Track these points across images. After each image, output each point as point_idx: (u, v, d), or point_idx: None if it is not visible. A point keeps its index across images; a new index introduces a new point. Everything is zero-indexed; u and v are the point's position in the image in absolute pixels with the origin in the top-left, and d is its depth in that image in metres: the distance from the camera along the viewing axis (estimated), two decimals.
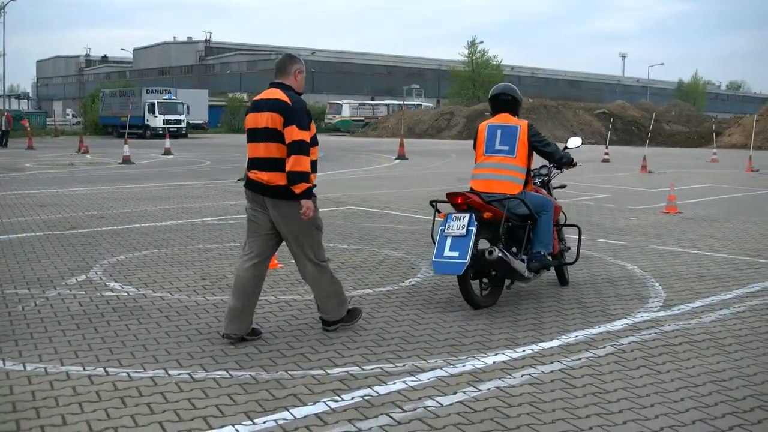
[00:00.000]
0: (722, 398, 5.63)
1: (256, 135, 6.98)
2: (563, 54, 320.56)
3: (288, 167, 6.72)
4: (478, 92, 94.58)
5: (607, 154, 36.88)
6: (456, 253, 7.81)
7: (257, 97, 7.15)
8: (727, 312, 8.18)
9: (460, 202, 8.19)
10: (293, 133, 6.71)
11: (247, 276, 7.00)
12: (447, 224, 8.03)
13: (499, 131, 8.80)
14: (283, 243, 7.22)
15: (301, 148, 6.71)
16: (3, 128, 47.30)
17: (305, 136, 6.78)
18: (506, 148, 8.65)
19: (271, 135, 6.83)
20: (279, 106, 6.83)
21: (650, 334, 7.32)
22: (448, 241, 7.91)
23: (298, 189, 6.72)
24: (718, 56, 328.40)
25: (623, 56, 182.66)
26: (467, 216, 7.99)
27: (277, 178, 6.83)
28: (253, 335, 6.96)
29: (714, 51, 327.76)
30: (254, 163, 7.03)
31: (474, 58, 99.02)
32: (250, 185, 7.10)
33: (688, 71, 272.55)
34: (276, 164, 6.84)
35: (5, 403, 5.32)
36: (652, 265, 10.65)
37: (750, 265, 10.78)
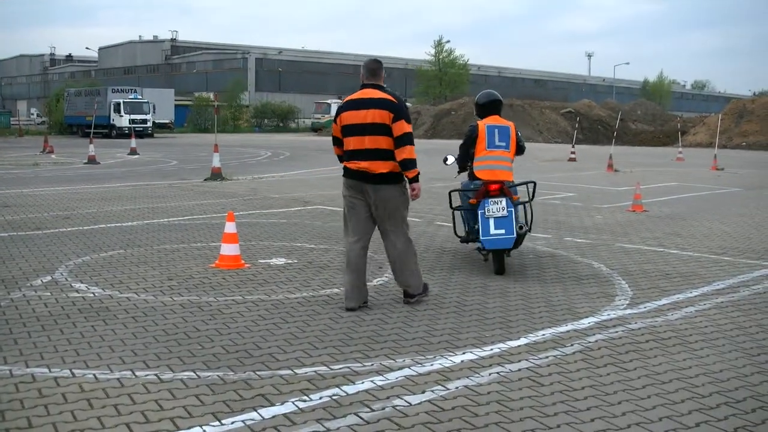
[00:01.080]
0: (689, 395, 5.67)
1: (362, 129, 7.99)
2: (529, 53, 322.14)
3: (402, 156, 7.95)
4: (445, 91, 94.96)
5: (573, 153, 37.05)
6: (502, 231, 9.60)
7: (354, 97, 8.17)
8: (692, 309, 8.23)
9: (496, 188, 9.76)
10: (403, 127, 7.93)
11: (359, 254, 8.19)
12: (486, 208, 9.70)
13: (496, 130, 10.22)
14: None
15: (410, 139, 8.00)
16: None
17: (411, 128, 8.08)
18: (504, 144, 10.19)
19: (380, 129, 7.92)
20: (387, 104, 7.96)
21: (617, 332, 7.35)
22: (491, 221, 9.63)
23: (411, 174, 8.05)
24: (682, 55, 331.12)
25: (589, 56, 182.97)
26: (504, 199, 9.70)
27: (380, 167, 7.97)
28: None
29: (679, 50, 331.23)
30: (358, 154, 8.04)
31: (440, 57, 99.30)
32: (352, 174, 8.12)
33: (654, 71, 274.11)
34: (381, 154, 7.97)
35: None
36: (619, 263, 10.71)
37: (715, 263, 10.86)
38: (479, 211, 9.74)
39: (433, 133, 69.70)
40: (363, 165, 7.98)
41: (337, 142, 8.41)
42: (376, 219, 8.21)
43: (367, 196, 8.07)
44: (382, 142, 7.91)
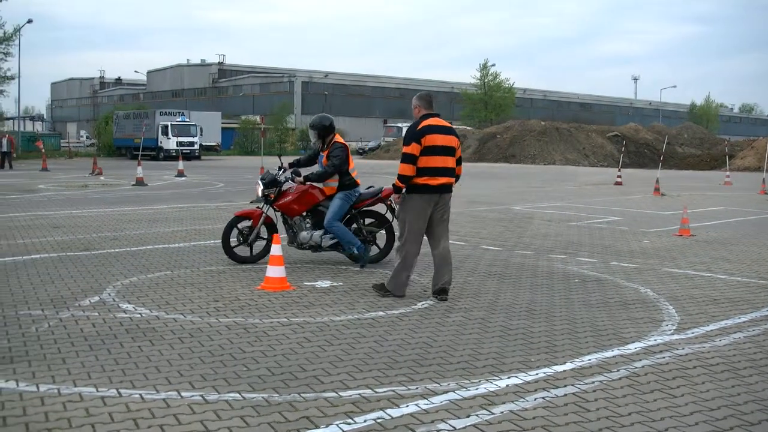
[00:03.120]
0: (737, 422, 5.60)
1: (448, 151, 9.68)
2: (575, 77, 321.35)
3: (460, 172, 10.02)
4: (490, 115, 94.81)
5: (619, 176, 36.84)
6: None
7: (435, 123, 9.66)
8: (741, 335, 8.14)
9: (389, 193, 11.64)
10: (459, 151, 9.98)
11: (442, 253, 9.84)
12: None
13: None
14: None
15: (461, 160, 10.02)
16: (4, 150, 47.35)
17: None
18: None
19: (454, 151, 9.80)
20: (456, 132, 9.94)
21: (664, 357, 7.29)
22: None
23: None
24: (730, 79, 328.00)
25: (635, 79, 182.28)
26: None
27: (452, 180, 9.87)
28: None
29: (726, 73, 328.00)
30: (443, 171, 9.64)
31: (486, 80, 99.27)
32: (434, 188, 9.64)
33: (701, 94, 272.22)
34: (453, 171, 9.84)
35: (18, 424, 5.33)
36: (666, 288, 10.62)
37: (764, 288, 10.75)
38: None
39: (478, 157, 69.59)
40: (446, 180, 9.68)
41: (414, 161, 9.47)
42: (437, 224, 9.83)
43: (435, 206, 9.70)
44: (452, 162, 9.76)
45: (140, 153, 38.37)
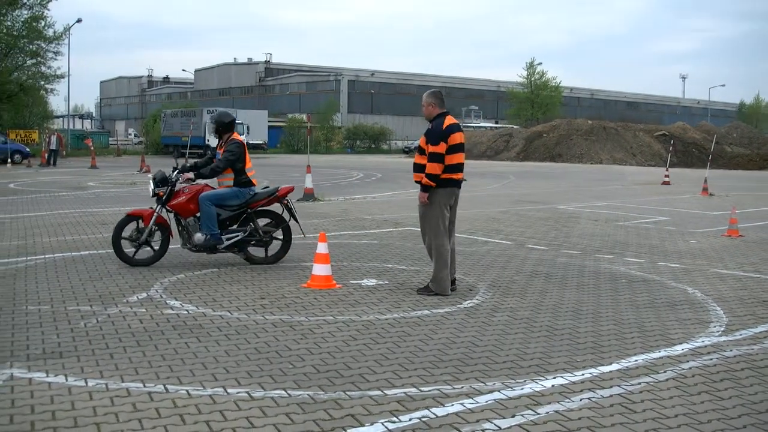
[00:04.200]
0: None
1: (463, 147, 9.99)
2: (622, 75, 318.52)
3: None
4: (537, 114, 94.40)
5: (667, 176, 36.50)
6: None
7: (454, 121, 9.96)
8: None
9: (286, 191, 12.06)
10: None
11: (452, 248, 10.13)
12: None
13: None
14: None
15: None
16: (53, 147, 47.93)
17: None
18: None
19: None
20: None
21: (712, 359, 7.22)
22: None
23: None
24: None
25: (683, 77, 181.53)
26: None
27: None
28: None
29: None
30: (461, 167, 10.00)
31: (533, 79, 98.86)
32: (457, 183, 10.06)
33: (750, 93, 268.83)
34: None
35: (67, 418, 5.39)
36: (714, 289, 10.51)
37: None
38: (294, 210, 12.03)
39: (524, 156, 69.30)
40: (462, 174, 10.12)
41: (443, 160, 9.73)
42: (452, 217, 10.22)
43: (454, 200, 10.17)
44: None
45: (188, 151, 38.63)
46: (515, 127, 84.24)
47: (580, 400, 6.00)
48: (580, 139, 69.81)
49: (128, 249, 11.45)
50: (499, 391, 6.17)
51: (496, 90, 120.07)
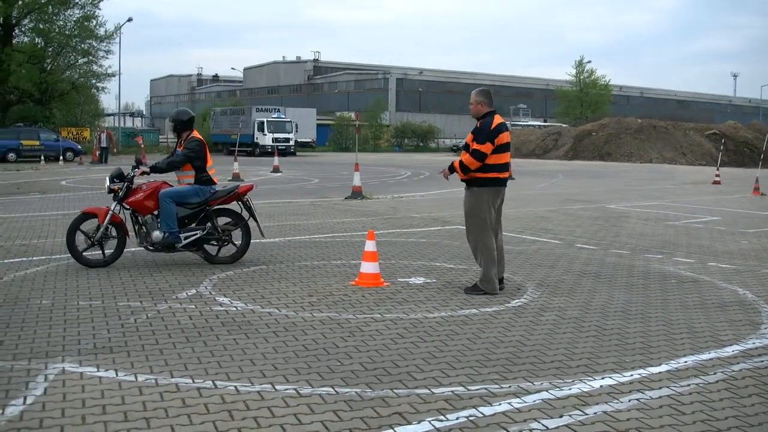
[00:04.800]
0: None
1: (510, 147, 10.03)
2: (672, 74, 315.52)
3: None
4: (586, 112, 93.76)
5: (717, 175, 36.08)
6: None
7: (502, 121, 9.92)
8: None
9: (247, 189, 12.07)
10: None
11: (499, 246, 10.06)
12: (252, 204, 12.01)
13: None
14: None
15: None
16: (104, 145, 48.48)
17: None
18: None
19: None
20: None
21: (763, 361, 7.13)
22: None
23: None
24: None
25: (734, 76, 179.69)
26: None
27: None
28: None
29: None
30: (508, 166, 10.08)
31: (582, 77, 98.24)
32: (504, 182, 10.05)
33: None
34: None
35: (117, 413, 5.44)
36: (765, 290, 10.38)
37: None
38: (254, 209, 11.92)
39: (573, 155, 68.87)
40: (509, 173, 10.17)
41: (484, 159, 9.69)
42: (497, 216, 10.19)
43: (500, 199, 10.14)
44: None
45: (237, 149, 38.86)
46: (564, 125, 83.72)
47: (629, 401, 5.95)
48: (630, 138, 69.21)
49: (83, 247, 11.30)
50: (546, 390, 6.14)
51: (544, 88, 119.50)
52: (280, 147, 57.84)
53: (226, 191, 11.73)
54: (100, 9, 63.29)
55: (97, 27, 64.00)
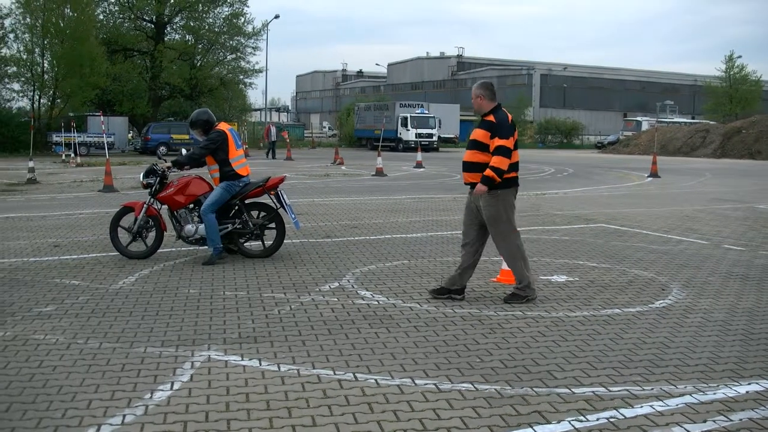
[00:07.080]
0: None
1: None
2: None
3: None
4: (735, 109, 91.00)
5: None
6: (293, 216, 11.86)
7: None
8: None
9: (279, 180, 11.85)
10: None
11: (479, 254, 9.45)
12: (284, 196, 11.76)
13: (234, 134, 11.84)
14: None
15: None
16: (273, 139, 49.28)
17: None
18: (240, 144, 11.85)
19: None
20: None
21: None
22: (288, 208, 11.72)
23: None
24: None
25: None
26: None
27: None
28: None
29: None
30: (518, 165, 9.16)
31: (731, 73, 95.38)
32: (518, 181, 9.21)
33: None
34: None
35: (260, 401, 5.58)
36: None
37: None
38: (285, 202, 11.70)
39: (722, 153, 66.91)
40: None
41: (510, 155, 8.92)
42: None
43: (515, 199, 9.32)
44: None
45: (380, 144, 39.20)
46: (712, 122, 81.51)
47: None
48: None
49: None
50: (690, 395, 6.01)
51: (692, 84, 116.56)
52: (423, 142, 58.05)
53: (255, 184, 11.65)
54: (248, 6, 65.06)
55: (245, 24, 65.77)
